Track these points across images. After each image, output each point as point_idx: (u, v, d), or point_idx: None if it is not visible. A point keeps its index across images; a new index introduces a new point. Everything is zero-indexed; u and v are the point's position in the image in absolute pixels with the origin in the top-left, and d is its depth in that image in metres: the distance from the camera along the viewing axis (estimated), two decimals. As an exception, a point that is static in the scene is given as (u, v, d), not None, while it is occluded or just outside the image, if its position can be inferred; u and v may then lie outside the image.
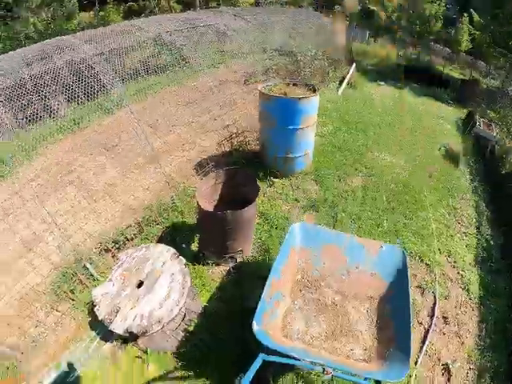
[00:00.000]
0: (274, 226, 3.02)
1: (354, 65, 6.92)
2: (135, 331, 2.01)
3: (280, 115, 3.45)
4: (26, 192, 4.19)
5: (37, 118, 3.22)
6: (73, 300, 2.83)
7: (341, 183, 3.68)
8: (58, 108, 4.19)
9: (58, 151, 4.70)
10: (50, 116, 3.95)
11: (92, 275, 2.91)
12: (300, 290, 2.22)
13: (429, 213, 3.70)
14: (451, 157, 4.64)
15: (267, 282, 1.95)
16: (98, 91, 3.49)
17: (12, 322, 2.76)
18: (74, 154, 4.52)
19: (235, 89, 5.73)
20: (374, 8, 11.26)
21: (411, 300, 1.88)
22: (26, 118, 3.20)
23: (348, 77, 6.44)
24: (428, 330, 2.62)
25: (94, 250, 3.07)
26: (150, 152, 3.59)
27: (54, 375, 2.44)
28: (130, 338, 2.18)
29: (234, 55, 5.49)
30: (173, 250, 2.42)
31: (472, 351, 2.47)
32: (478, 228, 3.53)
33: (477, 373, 2.39)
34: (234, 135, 3.86)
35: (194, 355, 2.22)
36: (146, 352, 2.33)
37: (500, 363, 2.41)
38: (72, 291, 2.84)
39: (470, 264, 3.21)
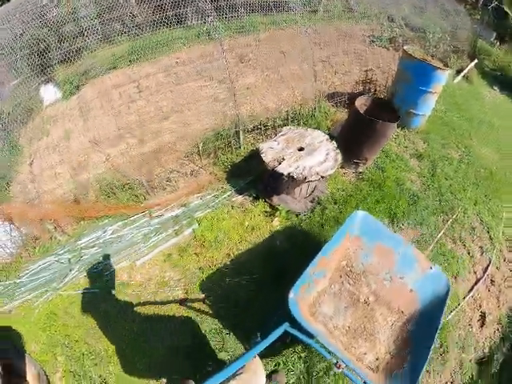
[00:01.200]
0: (389, 157, 3.77)
1: (476, 61, 7.00)
2: (295, 176, 2.72)
3: (417, 75, 4.01)
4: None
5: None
6: (215, 158, 3.65)
7: (443, 149, 4.29)
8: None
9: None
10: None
11: (239, 143, 3.74)
12: (340, 277, 2.24)
13: (503, 203, 4.21)
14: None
15: (316, 258, 2.01)
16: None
17: (144, 165, 3.50)
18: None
19: (360, 46, 6.15)
20: (508, 11, 10.58)
21: (437, 334, 1.85)
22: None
23: (466, 70, 6.61)
24: (480, 279, 3.21)
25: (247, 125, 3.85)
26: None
27: (178, 211, 3.15)
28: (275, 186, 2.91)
29: (361, 15, 5.80)
30: (327, 136, 3.14)
31: (503, 316, 2.99)
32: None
33: (500, 335, 2.90)
34: (367, 80, 4.48)
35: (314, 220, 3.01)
36: (277, 207, 3.08)
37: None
38: (218, 148, 3.56)
39: (524, 256, 3.74)
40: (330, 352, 1.70)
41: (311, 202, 3.08)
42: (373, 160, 3.57)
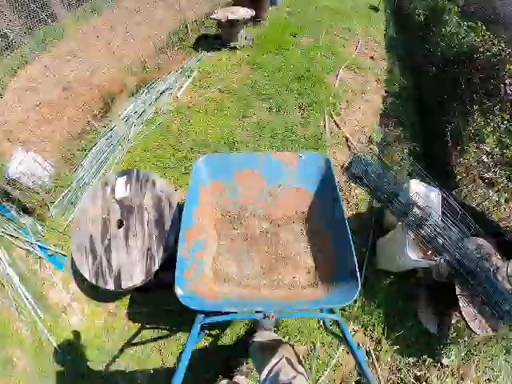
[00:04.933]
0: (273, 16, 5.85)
1: None
2: (231, 18, 4.67)
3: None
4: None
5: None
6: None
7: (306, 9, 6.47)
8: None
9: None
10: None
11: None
12: (223, 230, 2.06)
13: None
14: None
15: (180, 235, 1.73)
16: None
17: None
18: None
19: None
20: None
21: (344, 207, 1.76)
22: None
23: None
24: (357, 46, 5.43)
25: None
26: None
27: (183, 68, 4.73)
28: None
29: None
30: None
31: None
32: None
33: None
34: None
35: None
36: (236, 47, 4.92)
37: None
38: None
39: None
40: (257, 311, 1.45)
41: (247, 39, 5.00)
42: (266, 18, 5.65)
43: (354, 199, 3.35)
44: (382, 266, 2.94)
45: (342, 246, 1.70)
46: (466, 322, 2.24)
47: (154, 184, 2.44)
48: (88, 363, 2.86)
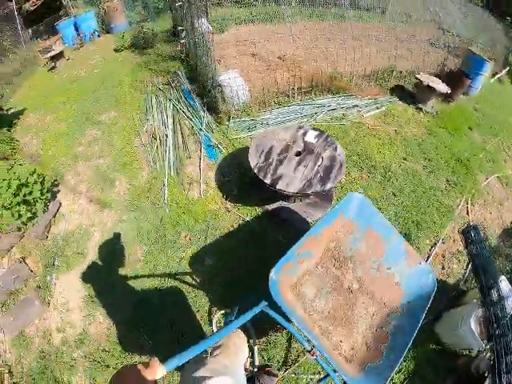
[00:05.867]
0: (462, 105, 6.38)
1: (508, 68, 9.49)
2: (431, 85, 5.41)
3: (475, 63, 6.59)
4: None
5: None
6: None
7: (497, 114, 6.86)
8: None
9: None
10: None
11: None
12: (327, 259, 2.21)
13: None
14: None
15: (305, 235, 1.96)
16: None
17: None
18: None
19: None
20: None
21: (416, 330, 1.85)
22: None
23: (501, 74, 9.22)
24: None
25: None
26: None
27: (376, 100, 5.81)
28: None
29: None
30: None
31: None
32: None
33: None
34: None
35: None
36: (422, 108, 5.72)
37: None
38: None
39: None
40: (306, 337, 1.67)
41: (432, 108, 5.72)
42: (454, 100, 6.23)
43: (449, 270, 3.75)
44: (440, 334, 3.16)
45: (389, 357, 1.82)
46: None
47: (335, 148, 3.32)
48: (177, 223, 3.81)
